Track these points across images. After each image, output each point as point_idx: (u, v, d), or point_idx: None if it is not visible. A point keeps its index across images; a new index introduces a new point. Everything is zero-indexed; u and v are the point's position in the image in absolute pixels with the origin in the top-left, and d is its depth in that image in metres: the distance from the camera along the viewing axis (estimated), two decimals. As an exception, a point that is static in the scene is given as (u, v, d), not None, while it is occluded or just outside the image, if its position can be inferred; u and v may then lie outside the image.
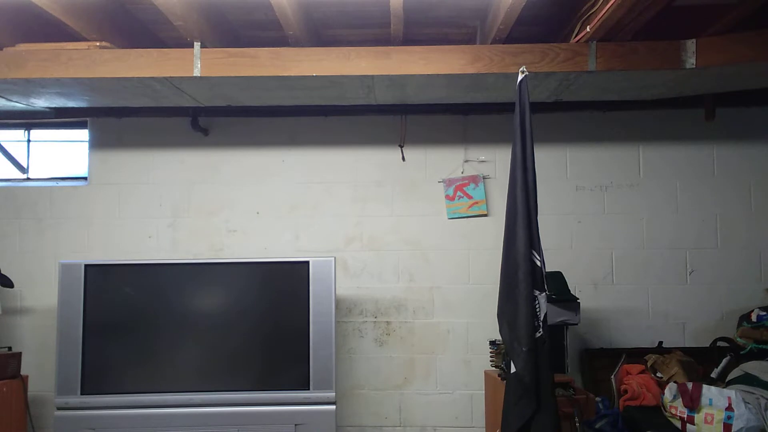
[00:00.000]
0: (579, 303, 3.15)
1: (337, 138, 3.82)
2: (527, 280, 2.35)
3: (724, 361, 3.26)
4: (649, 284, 3.72)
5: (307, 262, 3.22)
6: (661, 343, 3.58)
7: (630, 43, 2.87)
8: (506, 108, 3.58)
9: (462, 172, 3.77)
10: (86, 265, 3.21)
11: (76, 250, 3.75)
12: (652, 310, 3.71)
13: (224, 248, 3.78)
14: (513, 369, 2.40)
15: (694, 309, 3.70)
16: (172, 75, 2.93)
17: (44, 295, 3.70)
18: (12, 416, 3.31)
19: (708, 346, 3.51)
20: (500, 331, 2.49)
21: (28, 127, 3.97)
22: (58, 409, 3.12)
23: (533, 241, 2.40)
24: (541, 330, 2.36)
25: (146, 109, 3.70)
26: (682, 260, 3.72)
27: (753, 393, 2.88)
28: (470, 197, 3.75)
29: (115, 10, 2.93)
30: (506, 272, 2.47)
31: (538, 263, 2.39)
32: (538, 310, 2.37)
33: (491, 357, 3.24)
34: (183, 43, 2.95)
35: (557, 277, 3.27)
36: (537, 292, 2.37)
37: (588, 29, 2.71)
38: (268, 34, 3.15)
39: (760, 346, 3.26)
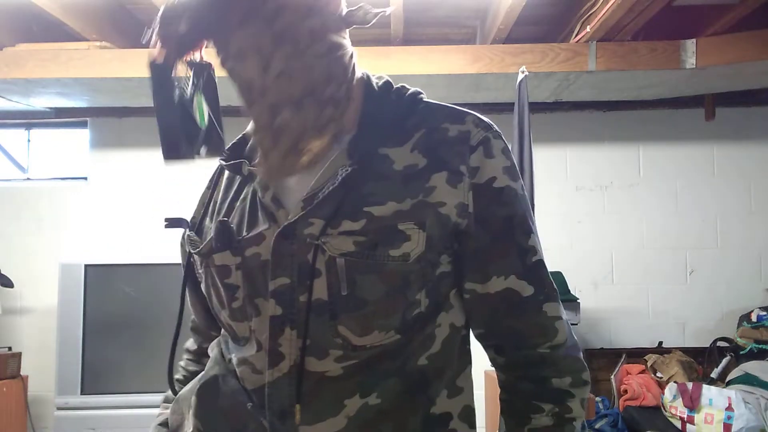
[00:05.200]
0: (579, 303, 3.15)
1: (337, 138, 3.81)
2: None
3: (724, 361, 3.26)
4: (649, 284, 3.72)
5: (307, 262, 3.22)
6: (661, 343, 3.58)
7: (630, 43, 2.87)
8: (506, 108, 3.57)
9: (462, 172, 3.76)
10: (86, 265, 3.21)
11: (76, 250, 3.75)
12: (652, 310, 3.71)
13: (224, 248, 3.77)
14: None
15: (694, 309, 3.70)
16: (172, 75, 2.93)
17: (44, 295, 3.70)
18: (12, 416, 3.31)
19: (708, 346, 3.51)
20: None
21: (28, 127, 3.97)
22: (58, 409, 3.12)
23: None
24: None
25: (146, 109, 3.70)
26: (682, 260, 3.72)
27: (753, 393, 2.88)
28: (470, 197, 3.75)
29: (115, 10, 2.94)
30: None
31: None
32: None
33: (491, 357, 3.24)
34: (183, 43, 2.94)
35: (557, 277, 3.27)
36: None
37: (588, 29, 2.71)
38: (268, 34, 3.15)
39: (760, 346, 3.26)
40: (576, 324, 3.16)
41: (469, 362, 0.86)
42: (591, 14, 2.67)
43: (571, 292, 3.29)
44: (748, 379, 3.02)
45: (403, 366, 0.77)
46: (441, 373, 0.80)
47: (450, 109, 0.84)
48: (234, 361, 0.83)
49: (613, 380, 3.41)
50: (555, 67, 2.88)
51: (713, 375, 3.23)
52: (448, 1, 2.78)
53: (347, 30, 0.81)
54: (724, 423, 2.80)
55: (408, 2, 2.66)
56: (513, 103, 2.57)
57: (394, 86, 0.85)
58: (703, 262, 3.71)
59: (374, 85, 0.85)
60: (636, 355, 3.48)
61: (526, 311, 0.80)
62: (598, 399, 3.18)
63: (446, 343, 0.81)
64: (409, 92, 0.85)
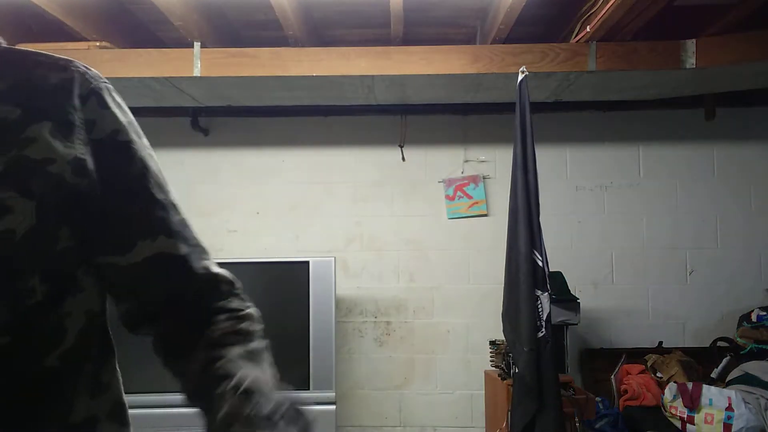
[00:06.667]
0: (579, 303, 3.15)
1: (337, 138, 3.82)
2: (528, 280, 2.36)
3: (724, 361, 3.26)
4: (649, 284, 3.72)
5: (307, 262, 3.22)
6: (661, 343, 3.58)
7: (630, 43, 2.87)
8: (506, 108, 3.58)
9: (462, 172, 3.77)
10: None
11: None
12: (652, 310, 3.71)
13: (224, 248, 3.77)
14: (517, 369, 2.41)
15: (694, 309, 3.70)
16: (172, 75, 2.93)
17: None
18: (12, 416, 3.31)
19: (708, 346, 3.51)
20: (503, 331, 2.50)
21: (28, 127, 3.97)
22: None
23: (534, 241, 2.40)
24: (543, 330, 2.36)
25: (146, 109, 3.70)
26: (682, 260, 3.73)
27: (753, 393, 2.88)
28: (470, 197, 3.75)
29: (115, 10, 2.93)
30: (509, 273, 2.48)
31: (540, 263, 2.39)
32: (540, 310, 2.37)
33: (491, 357, 3.24)
34: (183, 43, 2.95)
35: (557, 277, 3.28)
36: (539, 292, 2.38)
37: (588, 29, 2.71)
38: (268, 34, 3.15)
39: (760, 346, 3.26)
40: (576, 324, 3.17)
41: (113, 352, 0.75)
42: (591, 14, 2.67)
43: (571, 292, 3.29)
44: (748, 379, 3.02)
45: (22, 373, 0.61)
46: (79, 372, 0.68)
47: (47, 55, 0.71)
48: None
49: (613, 380, 3.41)
50: (555, 67, 2.89)
51: (713, 375, 3.23)
52: (448, 1, 2.78)
53: None
54: (724, 423, 2.80)
55: (408, 2, 2.66)
56: (513, 103, 2.57)
57: None
58: (703, 262, 3.72)
59: None
60: (636, 355, 3.48)
61: (188, 269, 0.73)
62: (598, 399, 3.17)
63: (82, 334, 0.67)
64: None
